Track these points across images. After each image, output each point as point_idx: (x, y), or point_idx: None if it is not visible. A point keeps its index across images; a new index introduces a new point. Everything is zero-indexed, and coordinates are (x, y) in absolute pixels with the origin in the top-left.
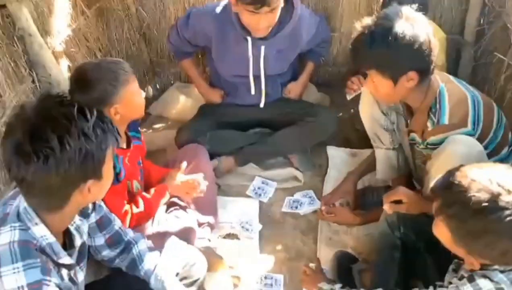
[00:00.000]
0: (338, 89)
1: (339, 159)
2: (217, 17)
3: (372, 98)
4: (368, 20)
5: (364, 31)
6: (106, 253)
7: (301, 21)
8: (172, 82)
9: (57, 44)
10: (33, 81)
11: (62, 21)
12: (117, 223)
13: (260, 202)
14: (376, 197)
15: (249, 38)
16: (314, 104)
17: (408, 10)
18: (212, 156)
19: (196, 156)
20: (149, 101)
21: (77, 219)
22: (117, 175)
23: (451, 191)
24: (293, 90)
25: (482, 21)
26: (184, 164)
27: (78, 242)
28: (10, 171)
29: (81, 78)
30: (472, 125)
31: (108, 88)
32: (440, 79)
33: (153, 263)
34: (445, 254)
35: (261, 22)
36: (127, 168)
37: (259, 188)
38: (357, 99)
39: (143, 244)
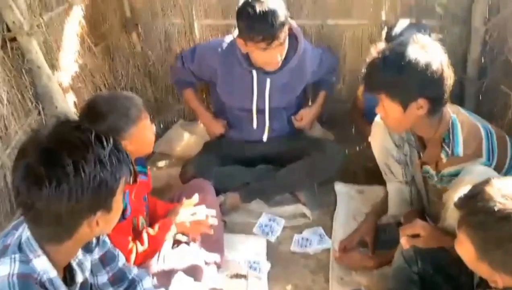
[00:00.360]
0: (342, 126)
1: (347, 196)
2: (223, 51)
3: (384, 129)
4: (383, 45)
5: (378, 55)
6: None
7: (305, 54)
8: (176, 120)
9: (64, 80)
10: (39, 114)
11: (70, 57)
12: (121, 260)
13: (268, 241)
14: (387, 235)
15: (254, 72)
16: (320, 138)
17: (424, 38)
18: (217, 192)
19: (202, 191)
20: None
21: (80, 254)
22: (123, 212)
23: (476, 200)
24: (305, 116)
25: (483, 57)
26: (196, 197)
27: (79, 278)
28: (18, 196)
29: (92, 109)
30: (487, 156)
31: (118, 123)
32: (451, 111)
33: None
34: (466, 288)
35: (274, 55)
36: (133, 204)
37: (266, 225)
38: (361, 136)
39: (148, 282)
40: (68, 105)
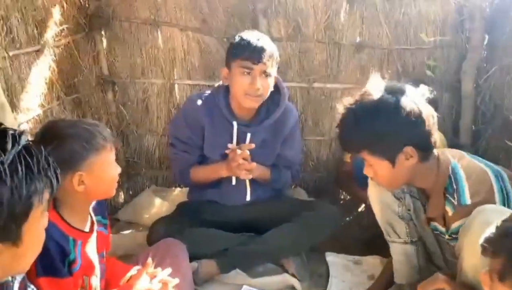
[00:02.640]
0: (330, 195)
1: (341, 267)
2: (203, 102)
3: None
4: (349, 100)
5: (347, 111)
6: None
7: (288, 112)
8: (147, 186)
9: (23, 121)
10: None
11: (34, 99)
12: None
13: None
14: None
15: (234, 123)
16: (309, 199)
17: (390, 84)
18: (190, 259)
19: (172, 252)
20: (118, 207)
21: None
22: (70, 265)
23: None
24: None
25: (476, 122)
26: (149, 261)
27: None
28: None
29: (49, 132)
30: (501, 200)
31: (77, 149)
32: (452, 156)
33: None
34: None
35: (255, 83)
36: (85, 258)
37: None
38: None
39: None
40: None
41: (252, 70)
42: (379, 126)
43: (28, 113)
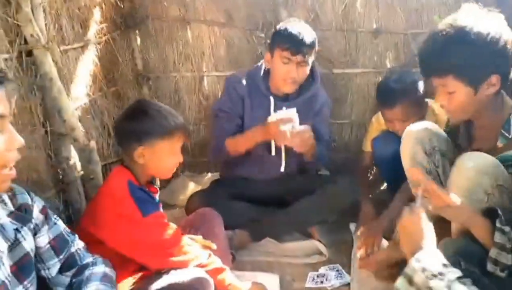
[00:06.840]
0: (350, 174)
1: None
2: (246, 80)
3: (415, 138)
4: (442, 24)
5: (441, 32)
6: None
7: (319, 92)
8: (181, 172)
9: (74, 109)
10: (46, 132)
11: (81, 90)
12: (75, 245)
13: (281, 277)
14: None
15: (271, 98)
16: (330, 174)
17: (484, 10)
18: (225, 228)
19: (208, 220)
20: None
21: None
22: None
23: None
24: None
25: None
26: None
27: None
28: None
29: (139, 108)
30: None
31: (148, 126)
32: None
33: None
34: None
35: (293, 71)
36: None
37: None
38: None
39: (100, 267)
40: (77, 120)
41: (291, 61)
42: (474, 52)
43: (77, 102)
